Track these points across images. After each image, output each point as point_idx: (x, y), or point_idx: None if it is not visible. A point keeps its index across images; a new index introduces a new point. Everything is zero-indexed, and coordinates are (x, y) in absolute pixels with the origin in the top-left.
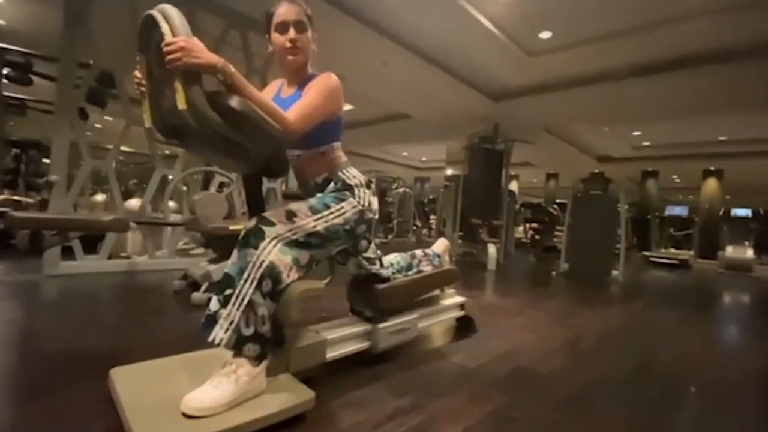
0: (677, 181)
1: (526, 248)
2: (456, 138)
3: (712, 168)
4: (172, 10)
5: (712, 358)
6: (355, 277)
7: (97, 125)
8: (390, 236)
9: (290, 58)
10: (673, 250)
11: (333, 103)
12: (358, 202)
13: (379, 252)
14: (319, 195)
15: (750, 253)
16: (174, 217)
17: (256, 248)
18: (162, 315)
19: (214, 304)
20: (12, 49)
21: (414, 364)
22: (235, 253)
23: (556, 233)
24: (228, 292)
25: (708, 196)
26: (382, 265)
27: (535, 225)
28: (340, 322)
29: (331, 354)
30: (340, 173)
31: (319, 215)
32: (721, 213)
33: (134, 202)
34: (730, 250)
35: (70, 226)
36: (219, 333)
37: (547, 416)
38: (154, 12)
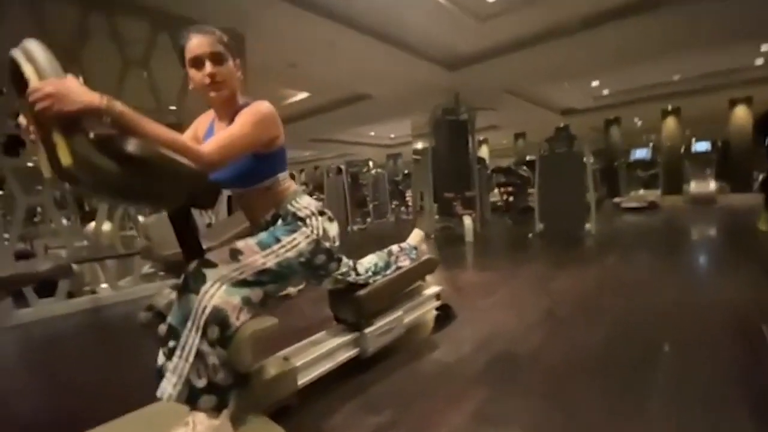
0: (639, 123)
1: (502, 212)
2: (420, 111)
3: (669, 107)
4: (36, 47)
5: (685, 307)
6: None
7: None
8: (368, 220)
9: (213, 94)
10: (642, 192)
11: (265, 132)
12: (312, 231)
13: (351, 262)
14: (270, 229)
15: (712, 185)
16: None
17: (197, 294)
18: (130, 355)
19: (160, 358)
20: None
21: (390, 370)
22: (175, 300)
23: (530, 193)
24: (172, 344)
25: (668, 135)
26: (357, 273)
27: (508, 189)
28: (325, 335)
29: (320, 370)
30: (288, 206)
31: (268, 250)
32: (682, 150)
33: (92, 227)
34: (693, 185)
35: (9, 283)
36: (167, 388)
37: (527, 408)
38: (16, 52)
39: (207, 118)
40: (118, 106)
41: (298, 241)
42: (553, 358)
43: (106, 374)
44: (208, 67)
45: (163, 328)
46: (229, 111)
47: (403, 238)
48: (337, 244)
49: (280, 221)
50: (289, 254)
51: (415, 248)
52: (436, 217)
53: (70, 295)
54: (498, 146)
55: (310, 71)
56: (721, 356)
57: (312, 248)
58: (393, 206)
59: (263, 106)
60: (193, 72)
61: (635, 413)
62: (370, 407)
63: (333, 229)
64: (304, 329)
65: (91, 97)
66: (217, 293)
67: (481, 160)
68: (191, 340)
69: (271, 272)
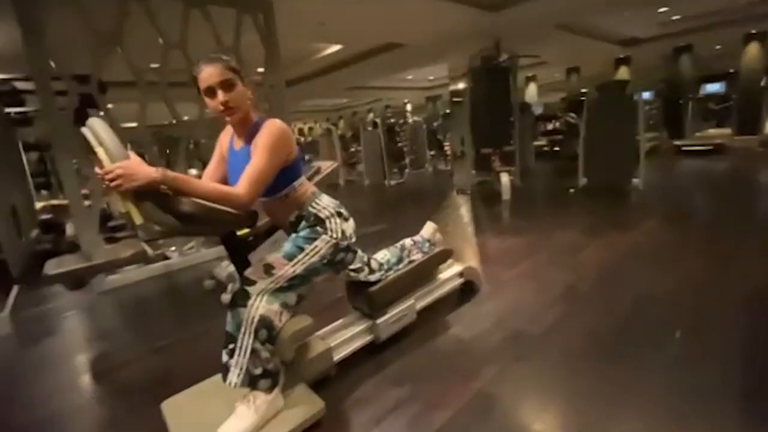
0: (717, 48)
1: (549, 157)
2: (456, 57)
3: (753, 31)
4: (102, 130)
5: (725, 290)
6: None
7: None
8: (406, 172)
9: (228, 119)
10: (711, 131)
11: (282, 153)
12: (331, 236)
13: (365, 258)
14: (293, 236)
15: None
16: None
17: (245, 307)
18: (202, 316)
19: (224, 357)
20: None
21: (413, 347)
22: (228, 313)
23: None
24: (231, 346)
25: (748, 63)
26: (371, 269)
27: (554, 137)
28: (343, 323)
29: (340, 354)
30: (310, 208)
31: (295, 260)
32: (763, 82)
33: None
34: None
35: (99, 270)
36: (233, 378)
37: (532, 389)
38: (88, 133)
39: (227, 135)
40: (170, 174)
41: (320, 248)
42: (566, 339)
43: (186, 334)
44: (220, 95)
45: (225, 297)
46: (245, 129)
47: (441, 191)
48: (354, 239)
49: (303, 222)
50: (313, 259)
51: (428, 241)
52: (473, 172)
53: (147, 261)
54: (549, 81)
55: (339, 27)
56: (742, 346)
57: (332, 250)
58: (430, 155)
59: (275, 129)
60: (207, 100)
61: (633, 403)
62: (394, 381)
63: (349, 227)
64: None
65: (150, 172)
66: (260, 305)
67: (525, 106)
68: (246, 342)
69: (300, 277)
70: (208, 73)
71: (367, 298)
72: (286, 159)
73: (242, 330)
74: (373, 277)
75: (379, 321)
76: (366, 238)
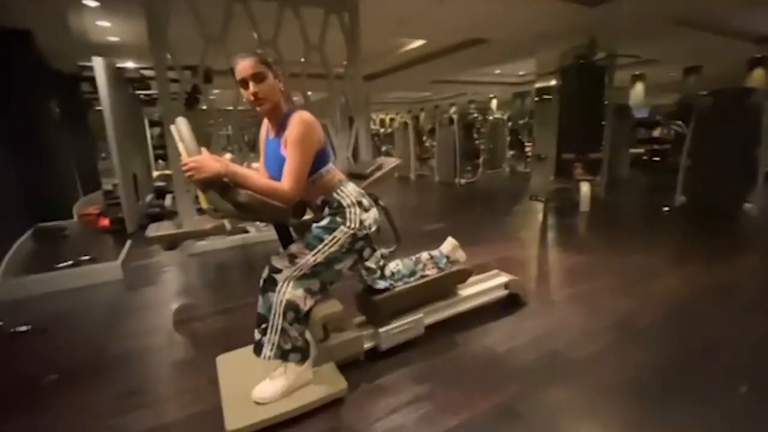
0: None
1: (647, 168)
2: (545, 53)
3: None
4: (184, 128)
5: None
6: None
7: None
8: (479, 171)
9: (258, 109)
10: None
11: (313, 143)
12: (349, 227)
13: (382, 261)
14: (314, 226)
15: None
16: None
17: (274, 292)
18: None
19: (256, 335)
20: (127, 68)
21: (443, 350)
22: (260, 297)
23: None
24: (264, 326)
25: None
26: (382, 274)
27: (654, 147)
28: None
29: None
30: (334, 194)
31: (316, 250)
32: None
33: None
34: None
35: (187, 237)
36: (266, 352)
37: (552, 416)
38: (174, 130)
39: (264, 128)
40: (231, 169)
41: (338, 238)
42: (606, 371)
43: (250, 300)
44: (251, 86)
45: None
46: (275, 120)
47: (514, 194)
48: (374, 229)
49: (327, 209)
50: (332, 249)
51: (447, 257)
52: (552, 177)
53: (229, 233)
54: (662, 80)
55: (421, 24)
56: None
57: (351, 240)
58: (510, 155)
59: (302, 122)
60: (241, 91)
61: None
62: (417, 378)
63: (369, 217)
64: None
65: (216, 167)
66: (287, 290)
67: (622, 109)
68: (276, 322)
69: (322, 264)
70: (242, 66)
71: (371, 306)
72: (315, 151)
73: (273, 312)
74: (381, 284)
75: (381, 330)
76: (421, 236)
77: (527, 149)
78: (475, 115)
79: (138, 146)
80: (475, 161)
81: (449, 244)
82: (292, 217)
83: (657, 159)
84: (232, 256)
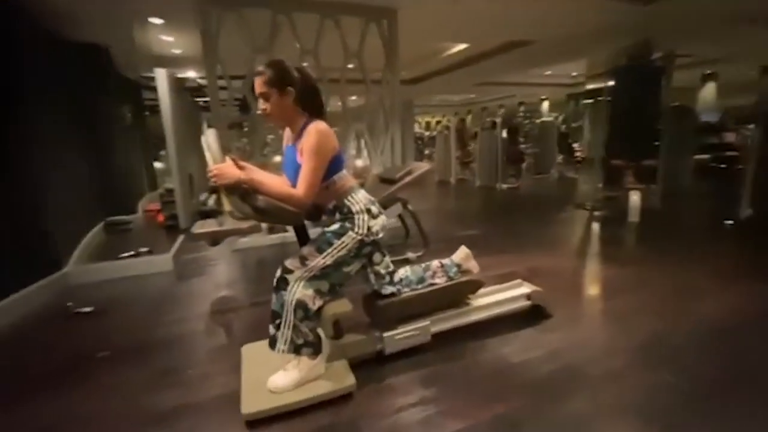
0: None
1: (713, 176)
2: (596, 54)
3: None
4: (212, 139)
5: None
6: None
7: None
8: (521, 177)
9: (269, 123)
10: None
11: (327, 153)
12: (356, 233)
13: (391, 267)
14: (323, 231)
15: None
16: None
17: (286, 290)
18: None
19: (271, 330)
20: (187, 78)
21: (458, 355)
22: (273, 295)
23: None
24: (278, 321)
25: None
26: (391, 280)
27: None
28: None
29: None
30: (345, 200)
31: (325, 253)
32: None
33: None
34: None
35: (228, 234)
36: (280, 346)
37: (551, 429)
38: (203, 140)
39: (285, 136)
40: (251, 176)
41: (346, 243)
42: (624, 392)
43: None
44: (260, 104)
45: None
46: (294, 129)
47: (558, 202)
48: (381, 235)
49: (337, 214)
50: (341, 253)
51: (458, 266)
52: (600, 185)
53: (270, 230)
54: (738, 80)
55: (462, 28)
56: None
57: (358, 245)
58: (560, 160)
59: (316, 136)
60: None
61: None
62: (424, 381)
63: (377, 224)
64: None
65: (237, 174)
66: (297, 290)
67: (683, 112)
68: (289, 317)
69: (330, 267)
70: (255, 84)
71: (376, 310)
72: (330, 156)
73: (285, 309)
74: (388, 289)
75: (386, 334)
76: (452, 241)
77: (577, 154)
78: (522, 118)
79: (195, 148)
80: (518, 166)
81: (462, 253)
82: (307, 219)
83: (723, 166)
84: (271, 253)
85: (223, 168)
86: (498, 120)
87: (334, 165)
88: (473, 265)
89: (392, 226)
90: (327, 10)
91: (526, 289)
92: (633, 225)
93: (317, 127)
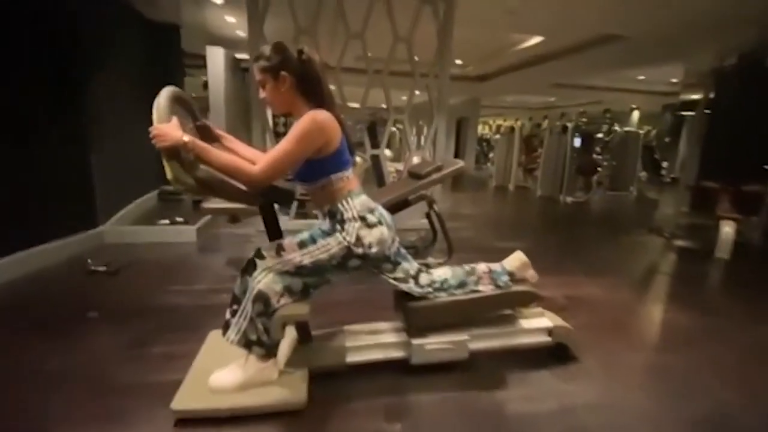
0: None
1: None
2: (697, 55)
3: None
4: (162, 98)
5: None
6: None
7: None
8: (595, 191)
9: (273, 111)
10: None
11: (310, 144)
12: (344, 238)
13: (413, 270)
14: (317, 226)
15: None
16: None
17: (251, 276)
18: None
19: (227, 314)
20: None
21: (447, 386)
22: (238, 278)
23: None
24: (235, 307)
25: None
26: (418, 282)
27: None
28: (377, 327)
29: (357, 357)
30: (339, 205)
31: (305, 250)
32: None
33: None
34: None
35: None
36: (231, 336)
37: None
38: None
39: None
40: (195, 141)
41: (331, 246)
42: None
43: None
44: (260, 92)
45: None
46: (295, 116)
47: (633, 223)
48: (375, 249)
49: (329, 218)
50: (322, 256)
51: (510, 274)
52: (685, 209)
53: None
54: None
55: (534, 16)
56: None
57: (344, 253)
58: (641, 177)
59: (307, 122)
60: None
61: None
62: (393, 412)
63: (371, 236)
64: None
65: (178, 136)
66: (263, 279)
67: None
68: (247, 307)
69: (307, 268)
70: (254, 71)
71: (405, 311)
72: (318, 151)
73: (246, 296)
74: (416, 291)
75: (415, 342)
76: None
77: (664, 172)
78: (600, 125)
79: (244, 126)
80: (589, 178)
81: (516, 259)
82: (264, 200)
83: None
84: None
85: (164, 128)
86: (570, 124)
87: (330, 163)
88: (530, 275)
89: (418, 227)
90: None
91: (547, 321)
92: (720, 262)
93: (314, 114)
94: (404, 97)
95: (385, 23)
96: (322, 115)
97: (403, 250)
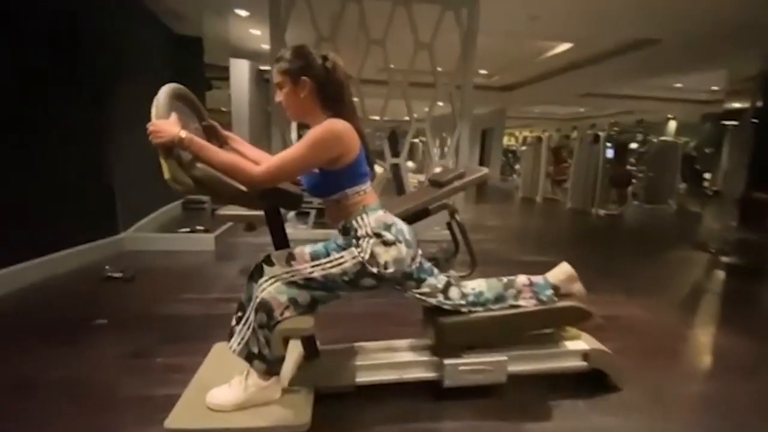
0: None
1: None
2: (741, 59)
3: None
4: (162, 95)
5: None
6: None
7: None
8: (629, 203)
9: (290, 117)
10: None
11: (323, 153)
12: (359, 254)
13: (441, 285)
14: (333, 239)
15: None
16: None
17: (257, 282)
18: None
19: (233, 320)
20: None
21: (472, 416)
22: (246, 284)
23: None
24: (240, 314)
25: None
26: (447, 296)
27: None
28: (409, 344)
29: (370, 377)
30: (353, 221)
31: (316, 262)
32: None
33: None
34: None
35: (250, 220)
36: (234, 345)
37: None
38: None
39: None
40: (192, 138)
41: (345, 260)
42: None
43: None
44: (278, 94)
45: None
46: (311, 125)
47: (675, 238)
48: (391, 270)
49: (343, 234)
50: (334, 270)
51: (553, 288)
52: (733, 223)
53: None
54: None
55: (559, 21)
56: None
57: (357, 270)
58: (681, 189)
59: (323, 129)
60: None
61: None
62: None
63: (387, 254)
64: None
65: (175, 132)
66: (268, 288)
67: None
68: (251, 316)
69: (317, 282)
70: (273, 72)
71: (435, 328)
72: (332, 162)
73: (251, 303)
74: (447, 304)
75: (447, 362)
76: (512, 265)
77: (706, 184)
78: (634, 134)
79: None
80: (623, 190)
81: (561, 272)
82: (268, 204)
83: None
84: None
85: (161, 124)
86: (602, 133)
87: (346, 176)
88: (577, 289)
89: (440, 238)
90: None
91: (582, 344)
92: None
93: (331, 122)
94: (426, 109)
95: (407, 33)
96: (340, 125)
97: (427, 264)
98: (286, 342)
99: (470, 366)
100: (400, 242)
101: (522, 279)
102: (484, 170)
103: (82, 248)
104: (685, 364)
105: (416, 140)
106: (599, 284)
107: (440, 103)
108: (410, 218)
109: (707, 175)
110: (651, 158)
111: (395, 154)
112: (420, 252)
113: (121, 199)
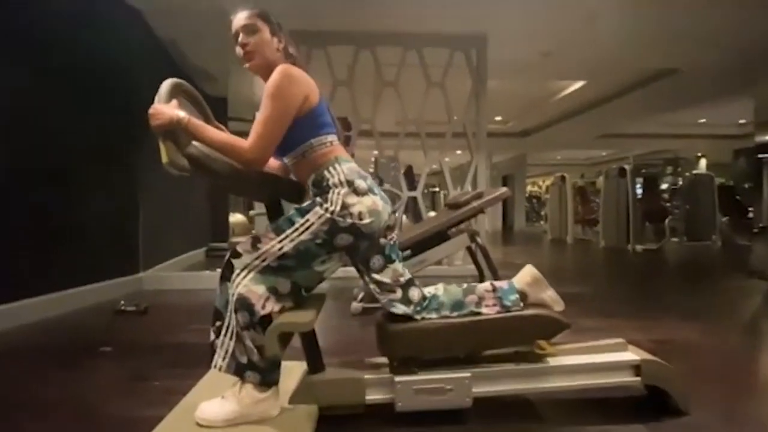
0: None
1: None
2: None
3: None
4: (164, 85)
5: None
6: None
7: None
8: (663, 240)
9: (246, 65)
10: None
11: (290, 101)
12: (326, 209)
13: (403, 278)
14: (291, 211)
15: None
16: None
17: (230, 281)
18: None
19: (211, 335)
20: None
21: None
22: (218, 287)
23: None
24: (218, 323)
25: None
26: (405, 297)
27: None
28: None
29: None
30: (325, 171)
31: (283, 235)
32: None
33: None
34: None
35: None
36: (218, 361)
37: None
38: None
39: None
40: (185, 119)
41: (311, 222)
42: None
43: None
44: (241, 37)
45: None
46: (264, 80)
47: (721, 268)
48: (367, 220)
49: (314, 188)
50: (303, 237)
51: (518, 294)
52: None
53: None
54: None
55: (572, 57)
56: None
57: (327, 228)
58: (723, 223)
59: (280, 75)
60: (236, 49)
61: None
62: None
63: (361, 204)
64: None
65: (173, 114)
66: (242, 282)
67: None
68: (232, 322)
69: (291, 257)
70: (236, 19)
71: (384, 337)
72: (299, 107)
73: (228, 307)
74: (400, 309)
75: (398, 378)
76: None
77: (750, 215)
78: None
79: None
80: (658, 225)
81: (526, 274)
82: (268, 193)
83: None
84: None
85: (160, 107)
86: (628, 167)
87: (308, 124)
88: (550, 297)
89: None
90: (411, 42)
91: (632, 356)
92: None
93: (285, 67)
94: (447, 159)
95: (421, 82)
96: (295, 69)
97: (400, 253)
98: (284, 342)
99: (425, 384)
100: (374, 194)
101: (484, 286)
102: (504, 189)
103: (100, 285)
104: (759, 386)
105: (436, 189)
106: (645, 311)
107: (458, 152)
108: (426, 242)
109: (751, 209)
110: (685, 191)
111: (412, 188)
112: (396, 234)
113: (144, 242)
